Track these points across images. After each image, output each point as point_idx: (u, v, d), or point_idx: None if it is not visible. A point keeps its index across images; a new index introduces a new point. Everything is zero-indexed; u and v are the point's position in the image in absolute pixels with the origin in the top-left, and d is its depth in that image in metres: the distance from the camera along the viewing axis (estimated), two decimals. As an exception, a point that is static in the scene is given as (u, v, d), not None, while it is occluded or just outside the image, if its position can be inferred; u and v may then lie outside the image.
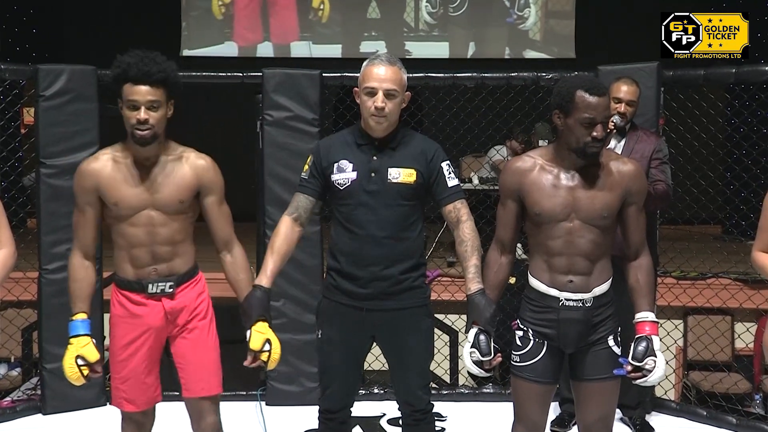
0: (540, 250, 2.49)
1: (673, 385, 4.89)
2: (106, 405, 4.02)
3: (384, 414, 3.96)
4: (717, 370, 4.78)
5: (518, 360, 2.53)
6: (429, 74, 4.17)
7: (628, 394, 3.53)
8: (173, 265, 2.61)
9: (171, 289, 2.61)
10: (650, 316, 2.47)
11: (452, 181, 2.62)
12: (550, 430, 3.70)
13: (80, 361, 2.53)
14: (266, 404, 4.08)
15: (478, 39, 9.39)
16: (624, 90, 3.52)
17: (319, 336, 2.69)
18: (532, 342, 2.51)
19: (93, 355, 2.54)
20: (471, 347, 2.46)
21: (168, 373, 2.77)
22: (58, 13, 8.94)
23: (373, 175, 2.56)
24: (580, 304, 2.46)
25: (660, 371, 2.41)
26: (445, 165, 2.62)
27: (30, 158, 4.27)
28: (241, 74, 4.20)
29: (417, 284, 2.63)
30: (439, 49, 9.38)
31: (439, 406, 3.25)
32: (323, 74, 4.10)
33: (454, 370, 4.75)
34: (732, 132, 6.68)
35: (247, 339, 2.50)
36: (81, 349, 2.53)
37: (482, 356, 2.44)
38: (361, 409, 3.49)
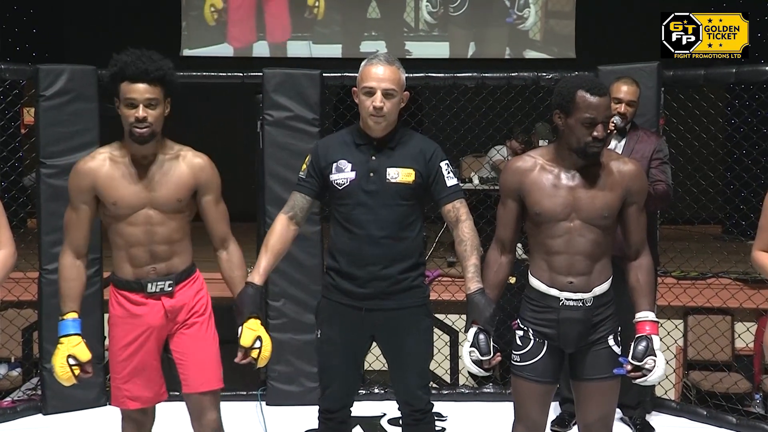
0: (540, 250, 2.49)
1: (674, 385, 4.89)
2: (106, 405, 4.02)
3: (384, 414, 3.96)
4: (717, 369, 4.78)
5: (518, 360, 2.54)
6: (429, 74, 4.18)
7: (628, 393, 3.53)
8: (172, 263, 2.61)
9: (170, 288, 2.61)
10: (650, 315, 2.47)
11: (451, 181, 2.62)
12: (551, 429, 3.70)
13: (72, 361, 2.50)
14: (266, 404, 4.08)
15: (478, 39, 9.40)
16: (624, 90, 3.52)
17: (319, 336, 2.69)
18: (532, 342, 2.52)
19: (84, 354, 2.52)
20: (470, 346, 2.46)
21: (168, 372, 2.77)
22: (58, 13, 8.94)
23: (371, 175, 2.56)
24: (581, 304, 2.46)
25: (660, 371, 2.41)
26: (443, 165, 2.62)
27: (30, 158, 4.27)
28: (241, 74, 4.20)
29: (416, 284, 2.64)
30: (440, 49, 9.38)
31: (439, 406, 3.25)
32: (323, 74, 4.10)
33: (454, 370, 4.75)
34: (732, 132, 6.68)
35: (238, 336, 2.51)
36: (72, 348, 2.51)
37: (482, 355, 2.44)
38: (361, 409, 3.50)
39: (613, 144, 3.53)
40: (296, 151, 3.94)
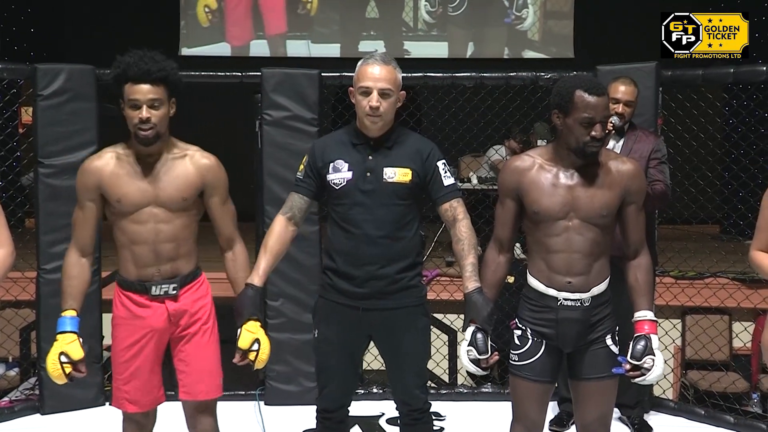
0: (539, 249, 2.50)
1: (672, 385, 4.90)
2: (104, 405, 4.02)
3: (383, 414, 3.96)
4: (715, 369, 4.79)
5: (517, 359, 2.54)
6: (428, 74, 4.17)
7: (626, 393, 3.54)
8: (177, 265, 2.60)
9: (174, 291, 2.60)
10: (649, 314, 2.47)
11: (448, 180, 2.62)
12: (549, 429, 3.70)
13: (63, 359, 2.48)
14: (265, 404, 4.08)
15: (476, 39, 9.40)
16: (622, 90, 3.52)
17: (316, 335, 2.69)
18: (530, 341, 2.52)
19: (77, 353, 2.50)
20: (468, 345, 2.47)
21: (166, 372, 2.77)
22: (56, 13, 8.93)
23: (368, 174, 2.57)
24: (579, 304, 2.46)
25: (659, 370, 2.41)
26: (440, 164, 2.62)
27: (28, 158, 4.27)
28: (239, 74, 4.20)
29: (413, 283, 2.64)
30: (438, 49, 9.38)
31: (437, 406, 3.25)
32: (322, 74, 4.10)
33: (452, 369, 4.76)
34: (730, 132, 6.69)
35: (237, 337, 2.50)
36: (65, 345, 2.49)
37: (479, 354, 2.45)
38: (360, 408, 3.50)
39: (611, 144, 3.53)
40: (295, 151, 3.94)
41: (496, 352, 2.48)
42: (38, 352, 4.00)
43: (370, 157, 2.58)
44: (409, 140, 2.64)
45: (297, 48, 9.35)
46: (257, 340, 2.49)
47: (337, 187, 2.58)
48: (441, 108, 4.76)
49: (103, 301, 3.94)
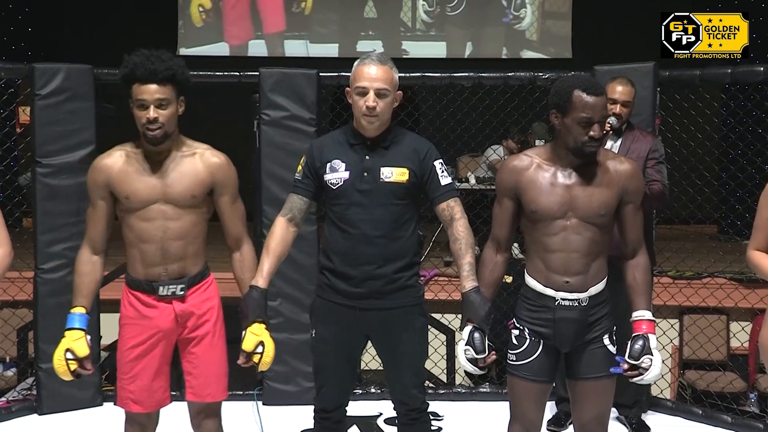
0: (536, 249, 2.50)
1: (669, 384, 4.89)
2: (102, 405, 4.02)
3: (381, 413, 3.96)
4: (712, 369, 4.80)
5: (514, 359, 2.54)
6: (426, 74, 4.17)
7: (624, 393, 3.54)
8: (184, 265, 2.59)
9: (182, 292, 2.60)
10: (647, 314, 2.48)
11: (445, 180, 2.62)
12: (547, 429, 3.70)
13: (69, 355, 2.50)
14: (263, 404, 4.08)
15: (475, 39, 9.41)
16: (619, 91, 3.52)
17: (314, 335, 2.69)
18: (528, 341, 2.52)
19: (82, 350, 2.51)
20: (465, 345, 2.47)
21: (174, 374, 2.76)
22: (54, 12, 8.93)
23: (365, 174, 2.57)
24: (576, 304, 2.46)
25: (656, 369, 2.41)
26: (437, 163, 2.62)
27: (26, 157, 4.27)
28: (238, 73, 4.20)
29: (411, 283, 2.64)
30: (436, 49, 9.39)
31: (435, 406, 3.25)
32: (320, 74, 4.09)
33: (450, 369, 4.75)
34: (728, 132, 6.69)
35: (241, 339, 2.50)
36: (72, 342, 2.51)
37: (476, 354, 2.45)
38: (357, 408, 3.50)
39: (609, 144, 3.53)
40: (293, 151, 3.94)
41: (494, 352, 2.48)
42: (36, 353, 4.00)
43: (367, 157, 2.58)
44: (406, 140, 2.64)
45: (295, 48, 9.34)
46: (261, 343, 2.49)
47: (334, 187, 2.58)
48: (439, 108, 4.76)
49: (101, 301, 3.93)
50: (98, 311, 3.99)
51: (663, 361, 2.53)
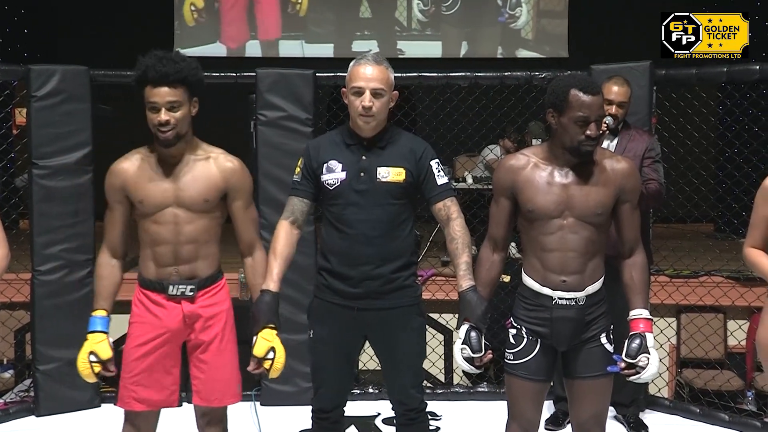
0: (533, 248, 2.50)
1: (667, 383, 4.91)
2: (99, 407, 4.02)
3: (379, 413, 3.96)
4: (710, 367, 4.80)
5: (512, 358, 2.54)
6: (422, 74, 4.18)
7: (621, 391, 3.54)
8: (195, 267, 2.59)
9: (192, 293, 2.59)
10: (644, 313, 2.48)
11: (442, 179, 2.63)
12: (545, 428, 3.71)
13: (92, 358, 2.52)
14: (261, 404, 4.07)
15: (470, 38, 9.41)
16: (615, 91, 3.52)
17: (311, 336, 2.69)
18: (525, 340, 2.52)
19: (105, 352, 2.53)
20: (462, 344, 2.47)
21: (183, 377, 2.74)
22: (50, 14, 8.91)
23: (362, 174, 2.57)
24: (573, 303, 2.47)
25: (653, 368, 2.41)
26: (434, 163, 2.62)
27: (22, 159, 4.26)
28: (234, 74, 4.20)
29: (408, 283, 2.64)
30: (432, 48, 9.39)
31: (433, 405, 3.26)
32: (317, 74, 4.09)
33: (448, 369, 4.76)
34: (724, 130, 6.70)
35: (252, 344, 2.50)
36: (95, 345, 2.53)
37: (473, 353, 2.45)
38: (355, 408, 3.50)
39: (605, 143, 3.53)
40: (290, 151, 3.94)
41: (490, 351, 2.49)
42: (33, 354, 4.00)
43: (364, 157, 2.58)
44: (403, 140, 2.64)
45: (291, 48, 9.34)
46: (272, 349, 2.49)
47: (331, 188, 2.58)
48: (436, 108, 4.76)
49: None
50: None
51: (660, 360, 2.54)
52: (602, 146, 3.38)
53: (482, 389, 4.29)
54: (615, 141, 3.57)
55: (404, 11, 9.42)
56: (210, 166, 2.58)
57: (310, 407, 2.77)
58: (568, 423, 3.56)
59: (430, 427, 3.11)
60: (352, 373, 2.83)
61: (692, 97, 4.51)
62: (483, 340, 2.46)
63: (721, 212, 6.76)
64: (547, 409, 3.74)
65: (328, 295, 2.63)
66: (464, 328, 2.47)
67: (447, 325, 4.90)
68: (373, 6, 9.41)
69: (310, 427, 2.79)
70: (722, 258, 5.15)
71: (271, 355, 2.48)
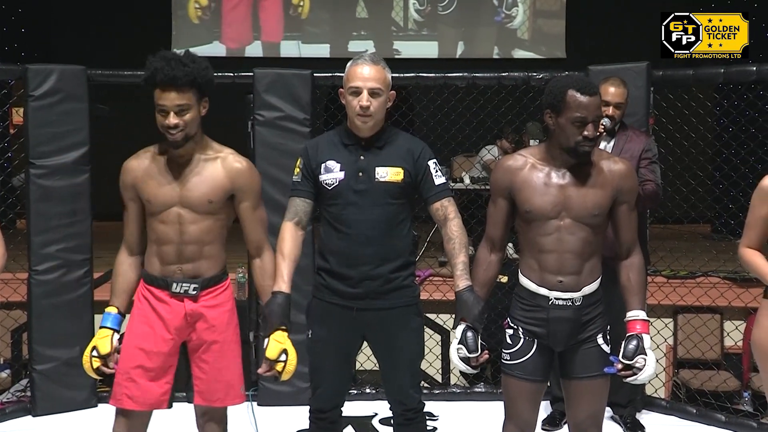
0: (530, 249, 2.50)
1: (663, 384, 4.91)
2: (96, 406, 4.01)
3: (376, 414, 3.96)
4: (706, 368, 4.81)
5: (508, 358, 2.54)
6: (420, 74, 4.18)
7: (618, 392, 3.55)
8: (199, 266, 2.59)
9: (195, 292, 2.59)
10: (641, 314, 2.48)
11: (439, 179, 2.63)
12: (541, 428, 3.71)
13: (94, 352, 2.54)
14: (258, 404, 4.07)
15: (466, 38, 9.42)
16: (611, 92, 3.52)
17: (310, 336, 2.69)
18: (522, 340, 2.52)
19: (104, 348, 2.54)
20: (458, 344, 2.48)
21: (182, 379, 2.74)
22: (47, 13, 8.91)
23: (360, 174, 2.57)
24: (570, 303, 2.47)
25: (650, 369, 2.42)
26: (431, 163, 2.63)
27: (19, 159, 4.26)
28: (232, 74, 4.19)
29: (407, 283, 2.64)
30: (428, 49, 9.40)
31: (430, 406, 3.26)
32: (314, 74, 4.09)
33: (445, 369, 4.76)
34: (721, 131, 6.71)
35: (264, 347, 2.49)
36: (98, 340, 2.55)
37: (469, 353, 2.45)
38: (352, 408, 3.50)
39: (602, 144, 3.54)
40: (287, 152, 3.94)
41: (486, 351, 2.49)
42: (30, 354, 3.99)
43: (362, 157, 2.58)
44: (400, 140, 2.65)
45: (287, 48, 9.35)
46: (285, 351, 2.48)
47: (329, 188, 2.59)
48: (433, 108, 4.76)
49: (96, 302, 3.93)
50: (92, 313, 3.98)
51: (657, 361, 2.54)
52: (599, 147, 3.40)
53: (479, 389, 4.29)
54: (612, 142, 3.57)
55: (401, 11, 9.43)
56: (217, 167, 2.57)
57: (307, 407, 2.77)
58: (564, 423, 3.56)
59: (428, 427, 3.10)
60: (351, 374, 2.83)
61: (689, 98, 4.52)
62: (479, 341, 2.47)
63: (718, 213, 6.76)
64: (544, 409, 3.75)
65: (326, 296, 2.63)
66: (461, 328, 2.48)
67: (444, 326, 4.90)
68: (370, 6, 9.41)
69: (307, 427, 2.79)
70: (719, 259, 5.16)
71: (283, 357, 2.47)
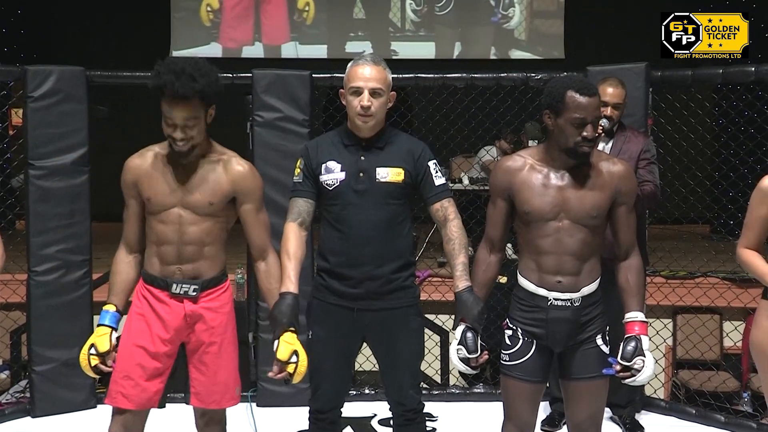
0: (529, 250, 2.51)
1: (663, 384, 4.91)
2: (95, 407, 4.01)
3: (375, 414, 3.96)
4: (706, 368, 4.81)
5: (508, 359, 2.54)
6: (419, 75, 4.18)
7: (617, 393, 3.55)
8: (199, 267, 2.58)
9: (195, 293, 2.58)
10: (639, 316, 2.48)
11: (439, 180, 2.64)
12: (541, 429, 3.71)
13: (92, 350, 2.53)
14: (257, 405, 4.06)
15: (463, 39, 9.42)
16: (610, 93, 3.52)
17: (310, 337, 2.69)
18: (521, 341, 2.52)
19: (103, 345, 2.53)
20: (458, 344, 2.48)
21: (181, 380, 2.74)
22: (46, 14, 8.90)
23: (361, 174, 2.57)
24: (569, 304, 2.47)
25: (648, 371, 2.42)
26: (431, 164, 2.63)
27: (18, 160, 4.25)
28: (231, 75, 4.19)
29: (407, 284, 2.64)
30: (425, 49, 9.40)
31: (429, 406, 3.25)
32: (313, 75, 4.09)
33: (444, 370, 4.76)
34: (720, 132, 6.72)
35: (275, 349, 2.48)
36: (96, 338, 2.54)
37: (469, 353, 2.46)
38: (352, 409, 3.49)
39: (600, 145, 3.53)
40: (286, 152, 3.94)
41: (486, 352, 2.49)
42: (29, 355, 3.99)
43: (363, 158, 2.59)
44: (400, 140, 2.65)
45: (285, 49, 9.35)
46: (295, 352, 2.47)
47: (330, 188, 2.59)
48: (432, 109, 4.76)
49: (95, 303, 3.93)
50: (91, 314, 3.98)
51: (656, 361, 2.54)
52: (598, 148, 3.40)
53: (478, 390, 4.29)
54: (610, 143, 3.57)
55: (398, 12, 9.43)
56: (219, 169, 2.57)
57: (305, 408, 2.77)
58: (564, 424, 3.56)
59: (427, 428, 3.10)
60: (350, 374, 2.84)
61: (688, 98, 4.52)
62: (479, 341, 2.47)
63: (717, 214, 6.77)
64: (543, 410, 3.75)
65: (327, 296, 2.63)
66: (460, 328, 2.48)
67: (443, 326, 4.90)
68: (367, 7, 9.41)
69: (306, 427, 2.79)
70: (718, 259, 5.16)
71: (294, 358, 2.46)
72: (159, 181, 2.55)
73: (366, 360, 3.95)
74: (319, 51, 9.34)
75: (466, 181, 6.57)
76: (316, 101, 4.16)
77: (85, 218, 3.99)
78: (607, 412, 3.65)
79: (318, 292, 2.67)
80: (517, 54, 9.39)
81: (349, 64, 2.61)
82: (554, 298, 2.47)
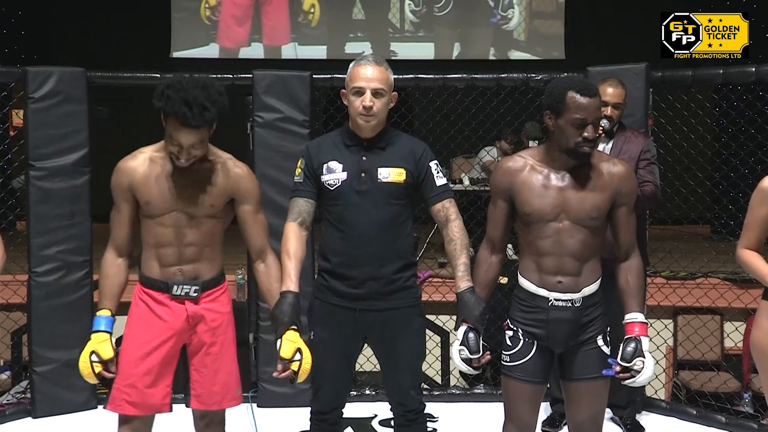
0: (530, 250, 2.51)
1: (663, 385, 4.91)
2: (96, 408, 4.01)
3: (375, 415, 3.96)
4: (706, 369, 4.81)
5: (508, 360, 2.54)
6: (419, 75, 4.18)
7: (618, 393, 3.55)
8: (199, 267, 2.58)
9: (196, 294, 2.58)
10: (639, 317, 2.48)
11: (440, 180, 2.64)
12: (541, 430, 3.71)
13: (94, 357, 2.51)
14: (257, 406, 4.07)
15: (463, 39, 9.42)
16: (610, 93, 3.52)
17: (311, 337, 2.68)
18: (522, 342, 2.52)
19: (106, 352, 2.51)
20: (460, 345, 2.48)
21: (180, 381, 2.73)
22: (47, 15, 8.91)
23: (363, 175, 2.57)
24: (569, 304, 2.47)
25: (648, 372, 2.42)
26: (433, 164, 2.64)
27: (19, 160, 4.25)
28: (231, 76, 4.19)
29: (409, 284, 2.65)
30: (425, 50, 9.40)
31: (430, 407, 3.26)
32: (313, 75, 4.10)
33: (445, 370, 4.76)
34: (720, 132, 6.72)
35: (278, 348, 2.47)
36: (97, 345, 2.51)
37: (471, 354, 2.46)
38: (352, 410, 3.49)
39: (601, 146, 3.53)
40: (286, 153, 3.94)
41: (488, 352, 2.49)
42: (30, 356, 3.99)
43: (364, 158, 2.59)
44: (402, 141, 2.65)
45: (285, 50, 9.34)
46: (299, 350, 2.46)
47: (331, 188, 2.59)
48: (432, 109, 4.76)
49: (94, 304, 3.93)
50: (91, 316, 3.97)
51: (657, 362, 2.54)
52: (598, 148, 3.40)
53: (479, 390, 4.29)
54: (610, 143, 3.57)
55: (397, 12, 9.43)
56: (218, 172, 2.57)
57: (307, 409, 2.77)
58: (564, 425, 3.56)
59: (428, 429, 3.10)
60: (351, 375, 2.84)
61: (688, 98, 4.52)
62: (481, 341, 2.47)
63: (717, 214, 6.77)
64: (544, 410, 3.75)
65: (328, 297, 2.64)
66: (462, 329, 2.48)
67: (444, 327, 4.90)
68: (366, 8, 9.41)
69: (307, 428, 2.79)
70: (719, 260, 5.16)
71: (297, 356, 2.46)
72: (157, 185, 2.53)
73: (367, 360, 3.95)
74: (319, 52, 9.33)
75: (466, 182, 6.58)
76: (317, 102, 4.16)
77: (86, 219, 3.99)
78: (608, 413, 3.65)
79: (319, 293, 2.67)
80: (516, 55, 9.39)
81: (351, 65, 2.61)
82: (555, 299, 2.47)
